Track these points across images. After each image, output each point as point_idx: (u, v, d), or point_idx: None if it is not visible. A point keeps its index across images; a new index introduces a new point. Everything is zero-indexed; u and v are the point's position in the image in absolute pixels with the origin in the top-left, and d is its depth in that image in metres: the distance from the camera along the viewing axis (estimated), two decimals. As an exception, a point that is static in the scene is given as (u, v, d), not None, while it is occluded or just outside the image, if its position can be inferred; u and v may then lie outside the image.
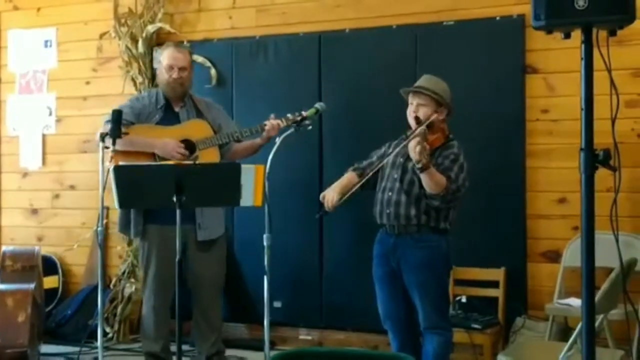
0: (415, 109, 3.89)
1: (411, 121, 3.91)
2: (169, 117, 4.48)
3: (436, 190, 3.67)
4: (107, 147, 4.25)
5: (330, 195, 3.89)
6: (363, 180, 3.89)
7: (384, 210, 3.87)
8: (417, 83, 3.97)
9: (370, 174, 3.90)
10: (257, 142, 4.49)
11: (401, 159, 3.88)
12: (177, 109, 4.51)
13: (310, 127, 4.32)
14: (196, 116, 4.51)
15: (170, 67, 4.44)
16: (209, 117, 4.52)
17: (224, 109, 4.72)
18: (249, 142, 4.52)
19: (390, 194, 3.86)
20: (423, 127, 3.75)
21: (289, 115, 4.35)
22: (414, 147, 3.56)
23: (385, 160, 3.89)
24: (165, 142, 4.32)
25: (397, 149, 3.85)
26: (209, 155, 4.34)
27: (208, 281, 4.48)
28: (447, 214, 3.84)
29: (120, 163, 4.01)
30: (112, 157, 4.17)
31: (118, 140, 4.11)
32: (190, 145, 4.36)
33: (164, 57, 4.49)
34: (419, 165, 3.59)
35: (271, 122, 4.34)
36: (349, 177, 4.02)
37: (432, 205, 3.75)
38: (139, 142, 4.30)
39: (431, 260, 3.82)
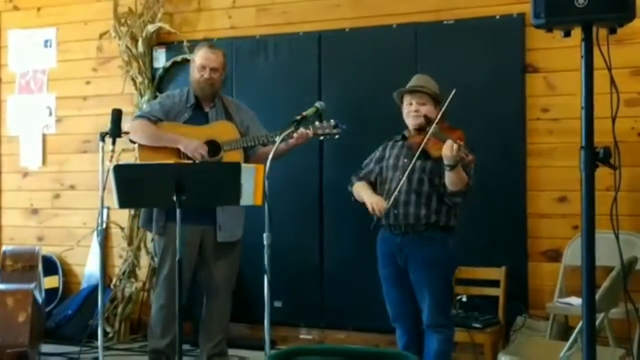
0: (417, 107, 3.90)
1: (414, 122, 3.91)
2: (197, 116, 4.49)
3: (459, 187, 3.68)
4: (133, 142, 4.39)
5: (379, 202, 3.83)
6: (402, 181, 3.81)
7: (390, 211, 3.85)
8: (413, 83, 3.99)
9: (407, 171, 3.82)
10: (282, 147, 4.46)
11: (405, 160, 3.87)
12: (206, 109, 4.52)
13: (337, 137, 4.35)
14: (225, 118, 4.52)
15: (202, 67, 4.45)
16: (237, 119, 4.53)
17: (254, 113, 4.71)
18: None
19: (397, 194, 3.85)
20: (435, 125, 3.75)
21: (316, 123, 4.36)
22: (451, 146, 3.52)
23: (411, 164, 3.82)
24: (190, 141, 4.33)
25: (416, 152, 3.79)
26: (233, 157, 4.34)
27: (222, 284, 4.49)
28: (455, 212, 3.86)
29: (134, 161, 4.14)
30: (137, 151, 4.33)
31: (143, 135, 4.23)
32: (215, 146, 4.37)
33: (197, 57, 4.51)
34: (452, 163, 3.56)
35: (300, 131, 4.30)
36: (364, 185, 4.00)
37: (453, 202, 3.77)
38: (165, 137, 4.34)
39: (438, 257, 3.83)
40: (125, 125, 4.43)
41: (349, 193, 4.08)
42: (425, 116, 3.87)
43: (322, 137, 4.41)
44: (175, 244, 4.31)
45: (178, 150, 4.33)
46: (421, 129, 3.89)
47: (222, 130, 4.45)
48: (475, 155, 3.66)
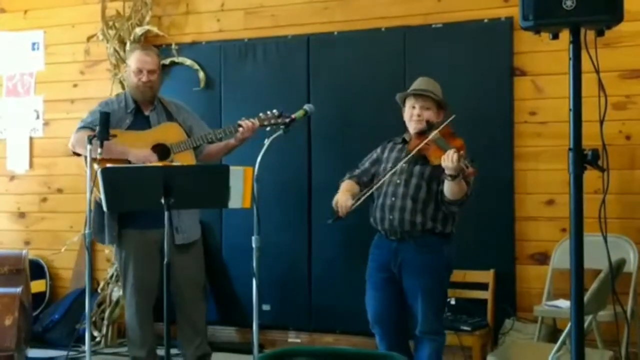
0: (420, 112, 3.84)
1: (416, 126, 3.84)
2: (139, 121, 4.43)
3: (458, 197, 3.62)
4: (78, 155, 4.33)
5: (343, 200, 3.79)
6: (377, 184, 3.80)
7: (385, 216, 3.80)
8: (418, 86, 3.90)
9: (382, 179, 3.80)
10: (232, 143, 4.45)
11: (404, 164, 3.80)
12: (147, 113, 4.46)
13: (286, 127, 4.21)
14: (167, 119, 4.47)
15: (139, 71, 4.39)
16: (179, 119, 4.48)
17: (193, 111, 4.66)
18: (222, 143, 4.48)
19: (393, 199, 3.79)
20: (437, 132, 3.71)
21: (260, 114, 4.35)
22: (451, 156, 3.44)
23: (397, 166, 3.78)
24: (138, 151, 4.27)
25: (415, 155, 3.76)
26: (184, 159, 4.30)
27: (189, 284, 4.42)
28: (453, 219, 3.80)
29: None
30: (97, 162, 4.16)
31: (94, 147, 4.04)
32: (164, 150, 4.33)
33: (132, 61, 4.45)
34: (454, 173, 3.48)
35: (246, 123, 4.32)
36: (349, 184, 3.94)
37: (450, 211, 3.72)
38: (114, 149, 4.22)
39: (434, 264, 3.78)
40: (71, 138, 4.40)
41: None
42: (428, 121, 3.80)
43: (268, 127, 4.33)
44: (135, 250, 4.31)
45: (128, 162, 4.26)
46: (422, 133, 3.81)
47: (168, 132, 4.40)
48: (476, 168, 3.55)
